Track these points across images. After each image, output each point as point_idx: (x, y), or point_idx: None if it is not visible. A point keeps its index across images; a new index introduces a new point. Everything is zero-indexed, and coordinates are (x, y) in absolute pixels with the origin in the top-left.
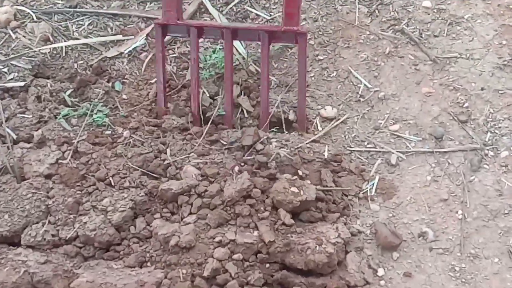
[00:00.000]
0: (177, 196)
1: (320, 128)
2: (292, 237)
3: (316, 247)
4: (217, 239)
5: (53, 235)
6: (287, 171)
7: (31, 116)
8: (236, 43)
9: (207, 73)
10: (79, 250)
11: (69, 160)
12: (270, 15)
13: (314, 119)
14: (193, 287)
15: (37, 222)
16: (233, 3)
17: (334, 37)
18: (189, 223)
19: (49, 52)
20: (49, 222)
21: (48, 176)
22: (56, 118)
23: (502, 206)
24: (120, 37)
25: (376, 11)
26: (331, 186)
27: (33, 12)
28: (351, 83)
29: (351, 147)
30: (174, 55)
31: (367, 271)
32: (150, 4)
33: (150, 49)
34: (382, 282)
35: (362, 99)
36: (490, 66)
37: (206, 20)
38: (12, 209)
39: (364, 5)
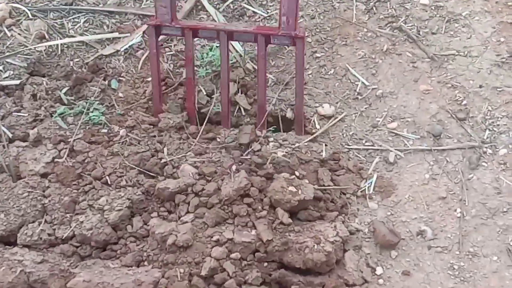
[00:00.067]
0: (174, 195)
1: (317, 126)
2: (290, 236)
3: (314, 245)
4: (214, 238)
5: (49, 235)
6: (285, 171)
7: (26, 114)
8: None
9: (203, 71)
10: (75, 249)
11: (65, 158)
12: (267, 12)
13: (311, 117)
14: (190, 287)
15: (33, 221)
16: (230, 0)
17: (332, 34)
18: (186, 222)
19: (44, 50)
20: (46, 221)
21: (44, 175)
22: (52, 116)
23: (501, 204)
24: (116, 34)
25: (374, 8)
26: (329, 185)
27: (29, 10)
28: (349, 81)
29: (349, 145)
30: (171, 52)
31: (366, 270)
32: (146, 1)
33: (147, 46)
34: (381, 281)
35: (360, 97)
36: (488, 63)
37: (202, 17)
38: (8, 208)
39: (362, 2)
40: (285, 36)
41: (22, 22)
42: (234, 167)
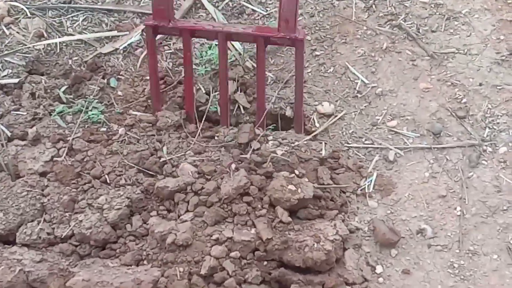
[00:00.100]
0: (174, 193)
1: (317, 125)
2: (289, 234)
3: (314, 244)
4: (214, 237)
5: (48, 234)
6: (284, 169)
7: (25, 113)
8: None
9: (203, 69)
10: (74, 248)
11: (64, 157)
12: (266, 10)
13: (311, 115)
14: (190, 286)
15: (32, 220)
16: None
17: (331, 32)
18: (185, 220)
19: (43, 48)
20: (45, 220)
21: (43, 174)
22: (50, 115)
23: (501, 202)
24: (115, 33)
25: (373, 6)
26: (328, 184)
27: (27, 8)
28: (348, 79)
29: (348, 144)
30: (170, 51)
31: (366, 268)
32: None
33: (146, 45)
34: (381, 279)
35: (359, 95)
36: (488, 61)
37: (201, 15)
38: (7, 207)
39: (361, 0)
40: (285, 38)
41: (20, 20)
42: (233, 166)
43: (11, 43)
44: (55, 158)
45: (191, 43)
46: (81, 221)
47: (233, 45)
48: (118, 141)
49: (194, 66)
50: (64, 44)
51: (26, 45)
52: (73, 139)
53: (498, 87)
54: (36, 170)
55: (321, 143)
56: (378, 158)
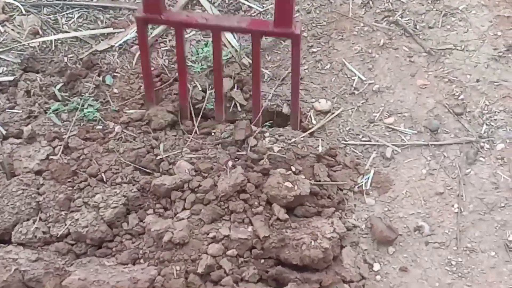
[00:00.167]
0: (170, 191)
1: (314, 122)
2: (287, 232)
3: (311, 242)
4: (211, 235)
5: (44, 232)
6: (281, 166)
7: (20, 111)
8: (229, 35)
9: (199, 66)
10: (70, 247)
11: (60, 155)
12: (263, 6)
13: (308, 112)
14: (187, 284)
15: (28, 219)
16: None
17: (328, 29)
18: (182, 218)
19: (38, 46)
20: (40, 219)
21: (38, 172)
22: (46, 113)
23: (498, 199)
24: (110, 30)
25: (370, 2)
26: (325, 181)
27: (22, 5)
28: (345, 76)
29: (345, 141)
30: (166, 48)
31: (363, 266)
32: None
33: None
34: (378, 277)
35: (356, 92)
36: (485, 57)
37: (198, 12)
38: (2, 206)
39: None
40: (280, 33)
41: (15, 17)
42: (230, 163)
43: (5, 41)
44: (50, 157)
45: (183, 36)
46: (77, 219)
47: (229, 42)
48: (114, 139)
49: (190, 64)
50: (59, 41)
51: (21, 42)
52: (68, 137)
53: (495, 84)
54: (31, 169)
55: (318, 140)
56: (375, 155)
